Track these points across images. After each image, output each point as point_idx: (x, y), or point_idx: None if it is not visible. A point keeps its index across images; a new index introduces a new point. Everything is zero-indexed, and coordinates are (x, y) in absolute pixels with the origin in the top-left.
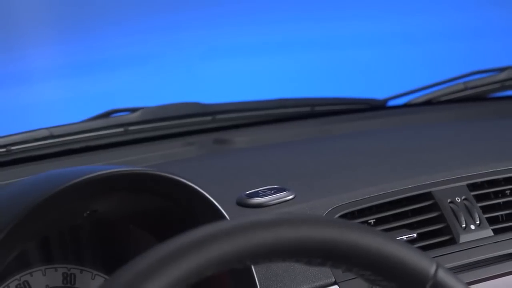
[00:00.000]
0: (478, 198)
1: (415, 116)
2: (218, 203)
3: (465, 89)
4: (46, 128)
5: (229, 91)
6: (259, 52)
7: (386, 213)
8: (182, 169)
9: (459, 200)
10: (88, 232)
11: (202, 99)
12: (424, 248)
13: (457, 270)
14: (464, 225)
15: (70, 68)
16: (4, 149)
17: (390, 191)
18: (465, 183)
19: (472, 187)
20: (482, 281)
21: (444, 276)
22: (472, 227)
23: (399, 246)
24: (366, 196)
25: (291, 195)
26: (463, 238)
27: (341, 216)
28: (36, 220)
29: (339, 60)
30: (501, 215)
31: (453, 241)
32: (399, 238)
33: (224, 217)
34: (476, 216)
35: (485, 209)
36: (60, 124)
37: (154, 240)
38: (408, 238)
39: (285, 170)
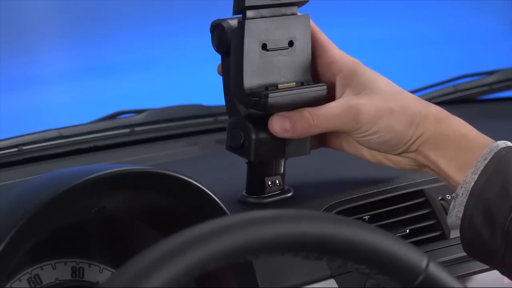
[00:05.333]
0: None
1: None
2: (220, 201)
3: (455, 91)
4: (56, 129)
5: None
6: None
7: (380, 210)
8: (185, 168)
9: (449, 198)
10: (96, 228)
11: (204, 101)
12: (416, 243)
13: (447, 264)
14: None
15: (79, 72)
16: (16, 149)
17: (384, 189)
18: None
19: None
20: (471, 275)
21: (435, 269)
22: None
23: (392, 241)
24: (361, 194)
25: (289, 192)
26: (453, 233)
27: (337, 213)
28: (46, 216)
29: None
30: None
31: (443, 236)
32: (393, 233)
33: (225, 213)
34: None
35: None
36: (69, 125)
37: (158, 235)
38: (401, 234)
39: None
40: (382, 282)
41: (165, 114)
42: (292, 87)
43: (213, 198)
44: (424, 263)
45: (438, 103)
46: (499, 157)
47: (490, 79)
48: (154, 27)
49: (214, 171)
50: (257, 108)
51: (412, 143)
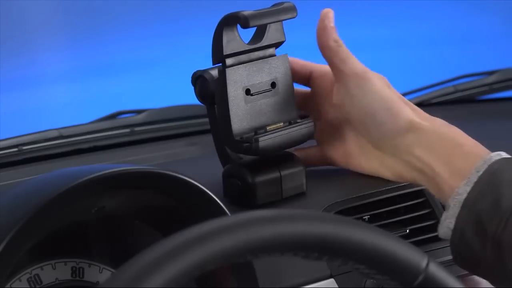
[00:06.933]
0: None
1: None
2: (220, 200)
3: (455, 91)
4: (56, 129)
5: None
6: None
7: (380, 210)
8: (185, 168)
9: None
10: (96, 227)
11: None
12: (416, 243)
13: (447, 264)
14: None
15: (79, 72)
16: (16, 149)
17: (384, 189)
18: None
19: None
20: (471, 275)
21: (435, 269)
22: None
23: (392, 241)
24: (361, 194)
25: None
26: None
27: (337, 213)
28: (47, 216)
29: None
30: None
31: None
32: (393, 233)
33: (225, 213)
34: None
35: None
36: (69, 125)
37: (158, 235)
38: (401, 234)
39: None
40: (382, 282)
41: (165, 114)
42: (280, 127)
43: (213, 198)
44: (424, 263)
45: (438, 103)
46: (492, 169)
47: (490, 79)
48: (154, 27)
49: (214, 171)
50: (248, 153)
51: (404, 134)
